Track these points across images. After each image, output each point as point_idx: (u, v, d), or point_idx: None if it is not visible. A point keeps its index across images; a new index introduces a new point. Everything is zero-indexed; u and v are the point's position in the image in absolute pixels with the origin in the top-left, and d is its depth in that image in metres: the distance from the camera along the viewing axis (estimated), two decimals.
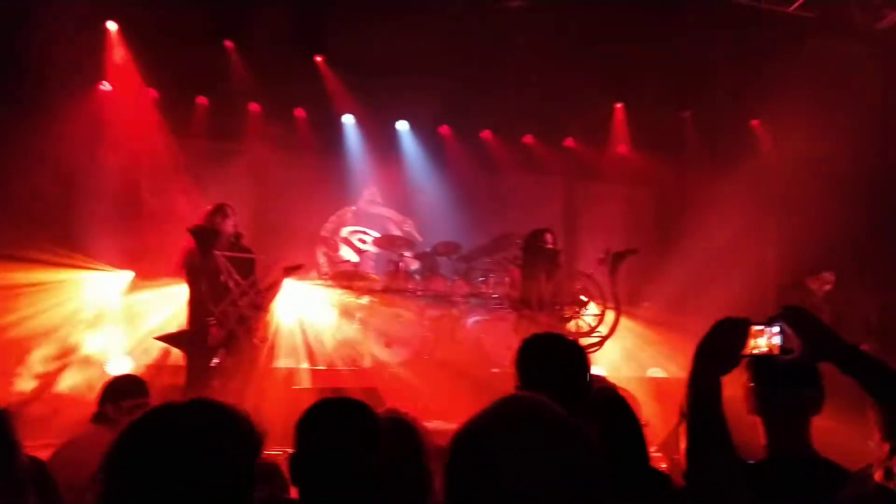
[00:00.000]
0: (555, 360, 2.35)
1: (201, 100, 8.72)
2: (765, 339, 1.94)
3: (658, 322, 8.35)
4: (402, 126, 9.83)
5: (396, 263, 8.26)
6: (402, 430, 2.21)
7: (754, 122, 9.68)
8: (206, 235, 5.72)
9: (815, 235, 7.63)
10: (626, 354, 8.28)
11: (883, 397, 1.86)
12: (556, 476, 1.13)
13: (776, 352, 1.93)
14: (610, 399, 2.36)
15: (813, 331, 1.91)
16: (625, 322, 7.55)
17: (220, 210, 6.02)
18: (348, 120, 9.54)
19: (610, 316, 6.89)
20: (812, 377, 2.25)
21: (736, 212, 8.59)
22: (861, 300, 7.36)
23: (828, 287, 7.33)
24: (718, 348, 1.90)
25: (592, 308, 7.12)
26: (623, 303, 7.09)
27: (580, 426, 1.20)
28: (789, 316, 1.92)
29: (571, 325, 6.90)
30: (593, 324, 6.95)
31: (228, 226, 5.94)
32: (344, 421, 2.00)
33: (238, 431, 1.38)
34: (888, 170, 8.43)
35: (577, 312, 7.05)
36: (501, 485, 1.12)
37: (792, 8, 8.23)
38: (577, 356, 2.42)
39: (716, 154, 9.42)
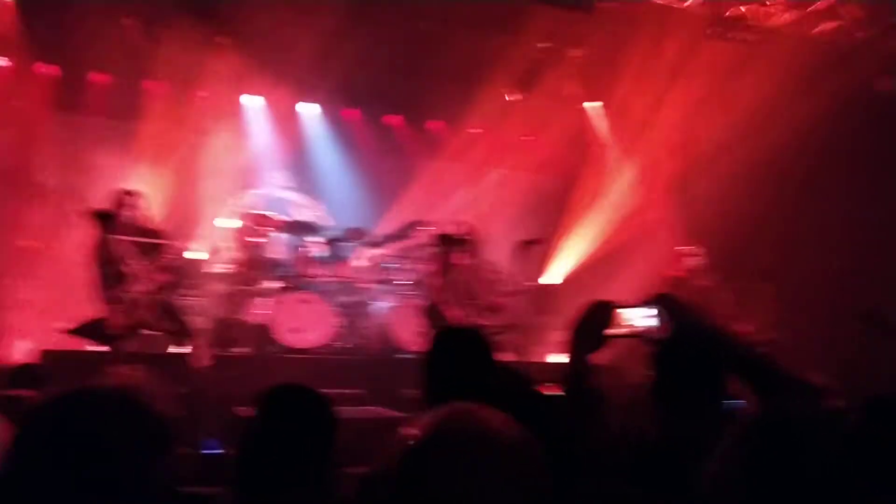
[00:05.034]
0: (461, 353, 2.38)
1: (98, 76, 8.41)
2: (636, 322, 2.06)
3: (566, 308, 8.58)
4: (311, 109, 9.73)
5: (304, 249, 8.18)
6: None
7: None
8: (105, 220, 5.55)
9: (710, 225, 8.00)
10: (534, 341, 8.48)
11: (751, 381, 2.00)
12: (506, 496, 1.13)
13: (648, 333, 2.06)
14: (515, 380, 2.43)
15: (683, 315, 2.05)
16: (530, 308, 7.76)
17: (124, 195, 5.88)
18: (254, 101, 9.35)
19: (517, 304, 7.07)
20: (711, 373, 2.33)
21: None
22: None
23: (695, 263, 7.36)
24: (586, 329, 2.04)
25: (500, 294, 7.27)
26: (529, 290, 7.28)
27: (528, 444, 1.20)
28: (661, 300, 2.05)
29: (479, 313, 7.02)
30: (500, 311, 7.10)
31: (133, 211, 5.79)
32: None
33: (137, 418, 1.37)
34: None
35: (486, 301, 7.18)
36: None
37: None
38: (481, 347, 2.45)
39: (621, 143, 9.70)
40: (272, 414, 2.05)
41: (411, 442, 1.19)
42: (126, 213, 5.75)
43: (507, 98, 9.58)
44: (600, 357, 2.05)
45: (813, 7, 8.35)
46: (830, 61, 8.17)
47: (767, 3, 8.37)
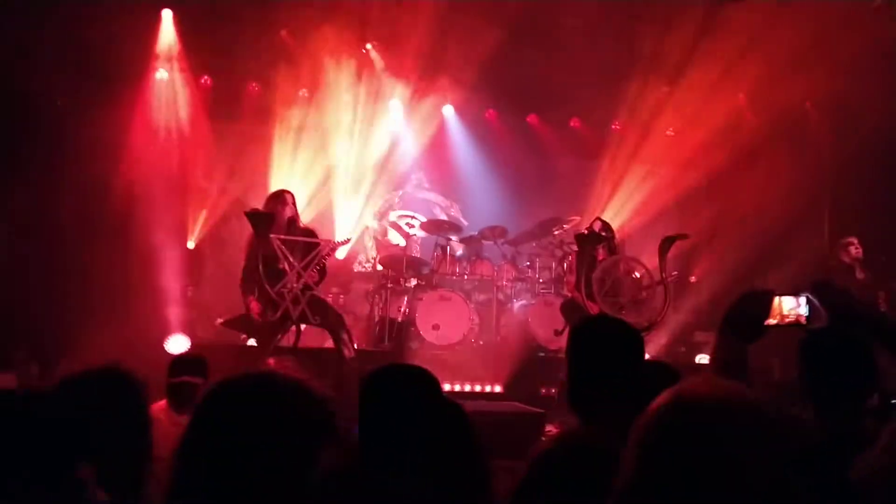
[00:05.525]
0: (608, 344, 2.23)
1: (252, 86, 8.91)
2: (791, 310, 1.97)
3: (708, 307, 8.30)
4: (448, 111, 9.89)
5: (443, 248, 8.32)
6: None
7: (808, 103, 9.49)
8: (261, 220, 5.88)
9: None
10: (675, 340, 8.25)
11: None
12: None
13: (802, 322, 1.98)
14: (665, 375, 2.33)
15: (838, 301, 1.92)
16: (674, 307, 7.54)
17: (278, 196, 6.21)
18: (395, 105, 9.63)
19: (659, 301, 6.87)
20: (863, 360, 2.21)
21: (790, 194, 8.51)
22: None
23: (858, 254, 7.07)
24: (742, 319, 1.93)
25: (641, 291, 7.10)
26: (672, 287, 7.06)
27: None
28: (815, 288, 1.94)
29: (620, 310, 6.89)
30: (643, 309, 6.93)
31: (286, 211, 6.10)
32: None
33: (304, 403, 1.41)
34: None
35: (628, 298, 7.04)
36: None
37: None
38: (631, 339, 2.28)
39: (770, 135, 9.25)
40: (373, 394, 2.07)
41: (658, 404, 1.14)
42: (280, 214, 6.06)
43: (652, 93, 9.39)
44: (753, 349, 1.95)
45: None
46: None
47: None
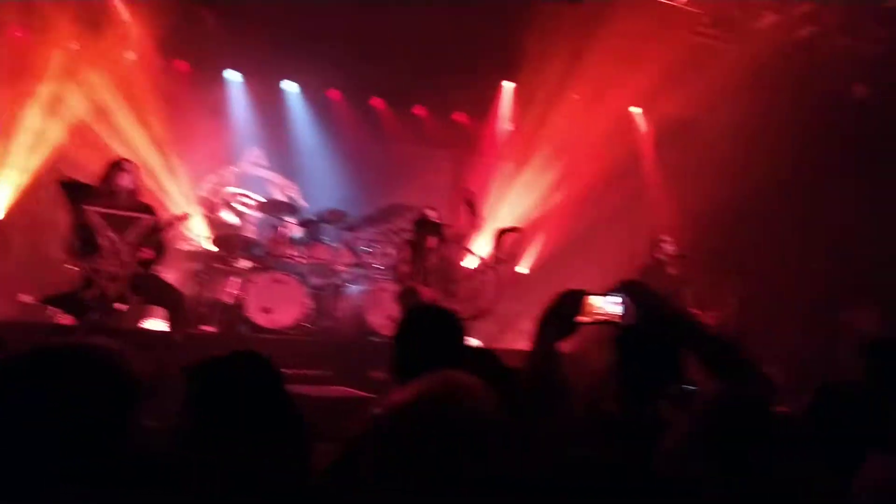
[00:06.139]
0: (431, 330, 2.44)
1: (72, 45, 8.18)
2: (604, 309, 2.17)
3: (537, 295, 8.61)
4: (291, 87, 9.63)
5: (279, 229, 8.10)
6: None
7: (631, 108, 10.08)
8: (76, 190, 5.46)
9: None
10: (503, 327, 8.50)
11: (713, 366, 2.07)
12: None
13: (614, 319, 2.18)
14: (484, 361, 2.47)
15: (648, 302, 2.13)
16: (504, 295, 7.76)
17: (116, 165, 5.77)
18: (234, 76, 9.25)
19: (490, 289, 7.06)
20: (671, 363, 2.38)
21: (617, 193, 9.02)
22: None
23: (670, 251, 7.49)
24: (556, 317, 2.12)
25: (474, 280, 7.27)
26: (505, 276, 7.29)
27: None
28: (627, 288, 2.15)
29: (452, 298, 7.01)
30: (473, 297, 7.10)
31: (123, 181, 5.68)
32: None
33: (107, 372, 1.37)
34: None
35: (460, 286, 7.17)
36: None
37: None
38: (453, 326, 2.49)
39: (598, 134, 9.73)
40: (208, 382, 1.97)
41: (397, 405, 1.31)
42: (111, 184, 5.63)
43: (498, 86, 9.61)
44: (567, 344, 2.12)
45: (795, 11, 8.45)
46: (809, 66, 8.31)
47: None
